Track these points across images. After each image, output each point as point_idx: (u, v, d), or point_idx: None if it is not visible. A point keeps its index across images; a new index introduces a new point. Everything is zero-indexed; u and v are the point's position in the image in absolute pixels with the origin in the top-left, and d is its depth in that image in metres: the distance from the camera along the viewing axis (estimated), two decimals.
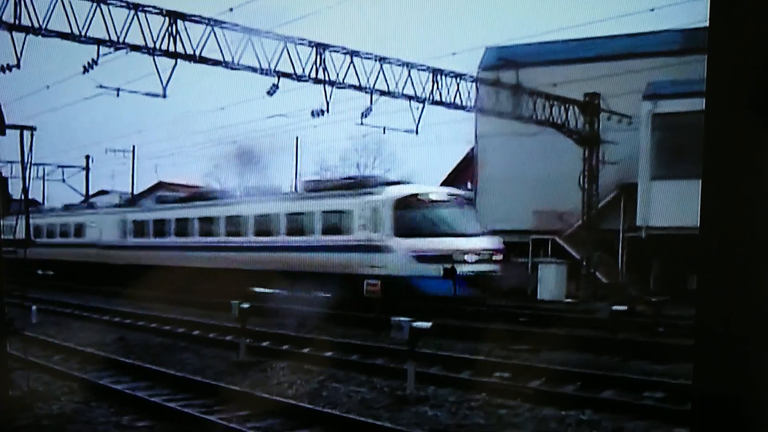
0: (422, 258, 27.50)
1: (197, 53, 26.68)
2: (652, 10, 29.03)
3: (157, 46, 25.92)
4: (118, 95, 28.09)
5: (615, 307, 18.06)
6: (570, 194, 36.77)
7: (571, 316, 25.85)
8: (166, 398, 12.99)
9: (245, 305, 17.75)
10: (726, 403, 1.64)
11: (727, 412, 1.64)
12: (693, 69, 32.16)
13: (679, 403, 12.71)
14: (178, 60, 26.47)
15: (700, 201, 1.68)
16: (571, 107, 35.94)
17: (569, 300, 34.45)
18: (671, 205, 32.42)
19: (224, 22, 26.85)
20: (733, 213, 1.64)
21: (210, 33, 26.60)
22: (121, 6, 25.08)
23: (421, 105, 31.90)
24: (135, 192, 58.51)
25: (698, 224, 1.68)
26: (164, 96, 27.03)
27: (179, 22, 26.15)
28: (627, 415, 11.86)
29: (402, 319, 13.50)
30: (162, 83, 26.79)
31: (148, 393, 13.46)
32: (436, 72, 32.23)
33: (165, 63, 26.47)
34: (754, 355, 1.62)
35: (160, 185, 62.04)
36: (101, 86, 27.43)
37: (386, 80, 30.73)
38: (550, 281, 35.69)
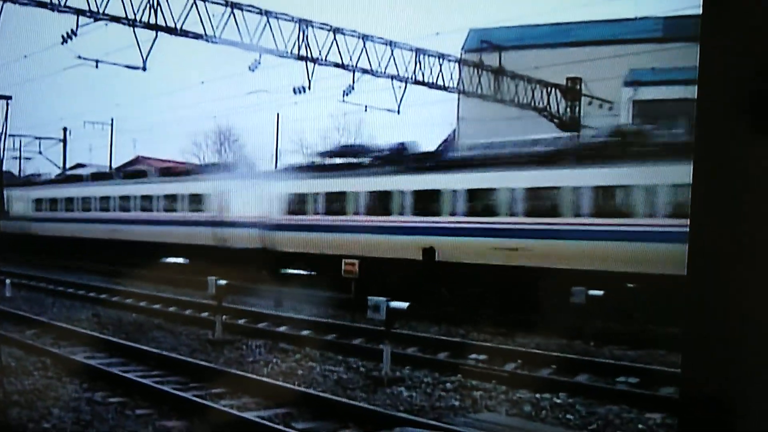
0: None
1: (178, 26, 26.41)
2: None
3: (138, 18, 25.62)
4: (97, 67, 27.79)
5: (591, 292, 18.03)
6: None
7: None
8: (140, 375, 12.90)
9: (222, 282, 17.61)
10: (714, 405, 1.64)
11: (715, 414, 1.64)
12: (674, 56, 32.32)
13: (653, 388, 12.82)
14: (159, 33, 26.19)
15: (690, 203, 1.67)
16: (552, 91, 35.94)
17: None
18: None
19: None
20: (722, 217, 1.66)
21: (192, 6, 26.33)
22: None
23: (403, 84, 31.79)
24: (113, 165, 58.09)
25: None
26: (144, 69, 26.79)
27: None
28: (600, 400, 11.89)
29: (378, 298, 13.42)
30: (142, 56, 26.54)
31: (121, 369, 13.35)
32: (419, 52, 32.09)
33: (145, 35, 26.21)
34: (742, 356, 1.62)
35: (138, 160, 61.60)
36: (80, 57, 27.11)
37: (369, 59, 30.59)
38: None
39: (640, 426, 10.67)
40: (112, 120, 60.18)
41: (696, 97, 1.66)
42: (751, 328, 1.61)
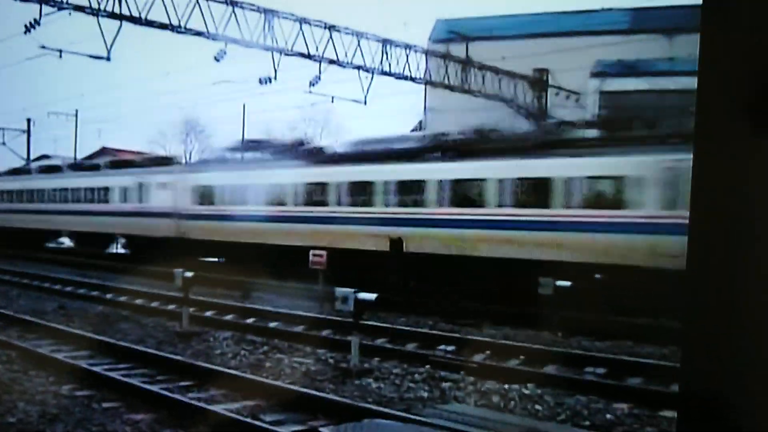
0: None
1: (143, 16, 26.17)
2: None
3: (102, 7, 25.35)
4: (60, 57, 27.46)
5: (559, 283, 18.13)
6: None
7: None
8: (107, 368, 12.80)
9: (189, 274, 17.50)
10: (714, 400, 1.64)
11: (715, 409, 1.64)
12: (641, 49, 32.57)
13: (620, 378, 12.95)
14: (123, 22, 25.92)
15: (690, 204, 1.67)
16: (519, 82, 36.05)
17: None
18: None
19: None
20: (722, 213, 1.66)
21: None
22: None
23: (370, 75, 31.73)
24: (78, 157, 57.48)
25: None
26: (108, 59, 26.50)
27: None
28: (568, 390, 11.98)
29: (347, 290, 13.39)
30: (106, 46, 26.25)
31: (88, 362, 13.24)
32: (386, 42, 32.04)
33: (110, 25, 25.94)
34: (742, 353, 1.62)
35: (104, 151, 61.04)
36: (43, 47, 26.76)
37: (335, 49, 30.51)
38: None
39: (608, 416, 10.75)
40: (76, 111, 59.64)
41: (696, 94, 1.66)
42: (750, 324, 1.62)
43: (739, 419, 1.62)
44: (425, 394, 11.81)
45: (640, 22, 35.91)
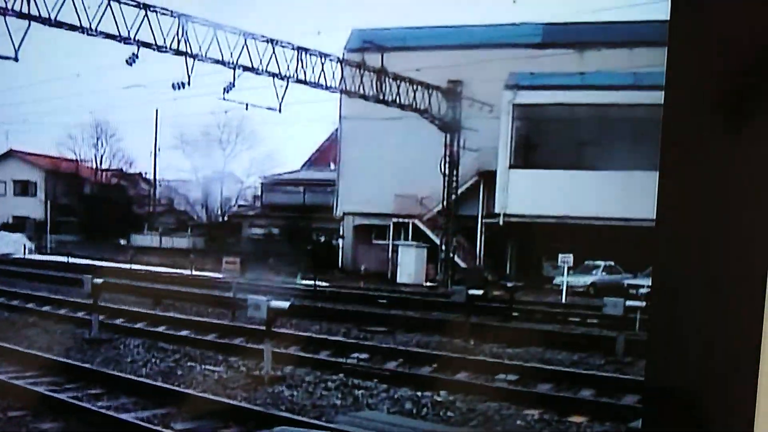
0: None
1: (52, 16, 25.60)
2: (515, 1, 29.76)
3: (10, 7, 24.73)
4: None
5: (471, 291, 18.41)
6: (430, 179, 37.36)
7: (429, 300, 26.37)
8: (12, 376, 12.46)
9: (98, 280, 17.20)
10: (679, 398, 1.67)
11: (681, 407, 1.67)
12: (553, 62, 33.27)
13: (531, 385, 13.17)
14: (32, 22, 25.33)
15: (657, 199, 1.71)
16: (434, 93, 36.37)
17: (428, 284, 35.26)
18: (528, 193, 33.63)
19: None
20: (689, 214, 1.68)
21: None
22: None
23: (284, 83, 31.65)
24: None
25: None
26: (16, 59, 25.85)
27: None
28: (481, 397, 12.12)
29: (259, 298, 13.34)
30: (14, 46, 25.61)
31: None
32: (300, 50, 32.00)
33: (18, 24, 25.31)
34: (709, 349, 1.65)
35: (11, 153, 59.35)
36: None
37: (250, 56, 30.33)
38: (409, 265, 36.36)
39: (518, 422, 10.91)
40: None
41: (663, 97, 1.68)
42: (717, 320, 1.62)
43: (705, 417, 1.63)
44: (338, 402, 11.82)
45: (553, 36, 36.65)
